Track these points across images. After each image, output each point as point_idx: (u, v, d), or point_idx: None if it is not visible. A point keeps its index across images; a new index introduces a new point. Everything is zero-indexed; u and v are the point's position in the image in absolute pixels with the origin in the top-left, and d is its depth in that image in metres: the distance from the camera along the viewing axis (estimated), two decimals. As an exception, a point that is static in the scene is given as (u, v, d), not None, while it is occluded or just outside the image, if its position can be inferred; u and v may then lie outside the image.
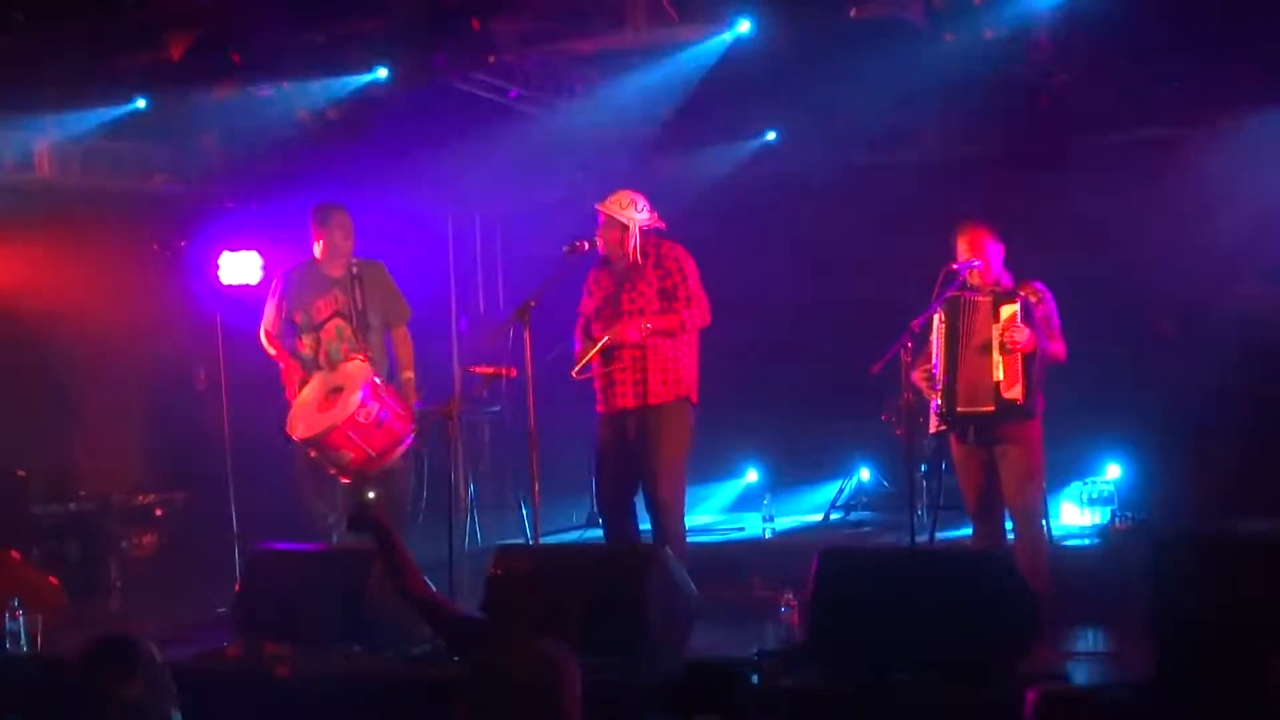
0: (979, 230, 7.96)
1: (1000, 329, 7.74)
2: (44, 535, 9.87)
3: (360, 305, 8.72)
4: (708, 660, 5.66)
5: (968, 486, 8.03)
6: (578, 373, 8.30)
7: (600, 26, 9.12)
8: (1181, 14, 8.69)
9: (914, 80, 9.34)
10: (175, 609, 9.28)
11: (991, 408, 7.77)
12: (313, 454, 8.55)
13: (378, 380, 8.48)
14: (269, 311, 8.92)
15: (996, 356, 7.74)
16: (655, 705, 5.57)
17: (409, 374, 8.77)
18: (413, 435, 8.49)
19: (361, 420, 8.35)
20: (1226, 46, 9.24)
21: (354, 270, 8.80)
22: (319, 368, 8.71)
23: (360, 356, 8.59)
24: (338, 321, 8.75)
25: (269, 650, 7.62)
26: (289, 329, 8.84)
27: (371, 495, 6.83)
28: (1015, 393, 7.71)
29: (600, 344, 8.21)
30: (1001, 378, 7.73)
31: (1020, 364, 7.71)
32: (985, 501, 7.96)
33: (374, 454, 8.37)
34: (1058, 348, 7.88)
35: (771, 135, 11.29)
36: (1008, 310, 7.75)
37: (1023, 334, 7.68)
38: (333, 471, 8.54)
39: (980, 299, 7.86)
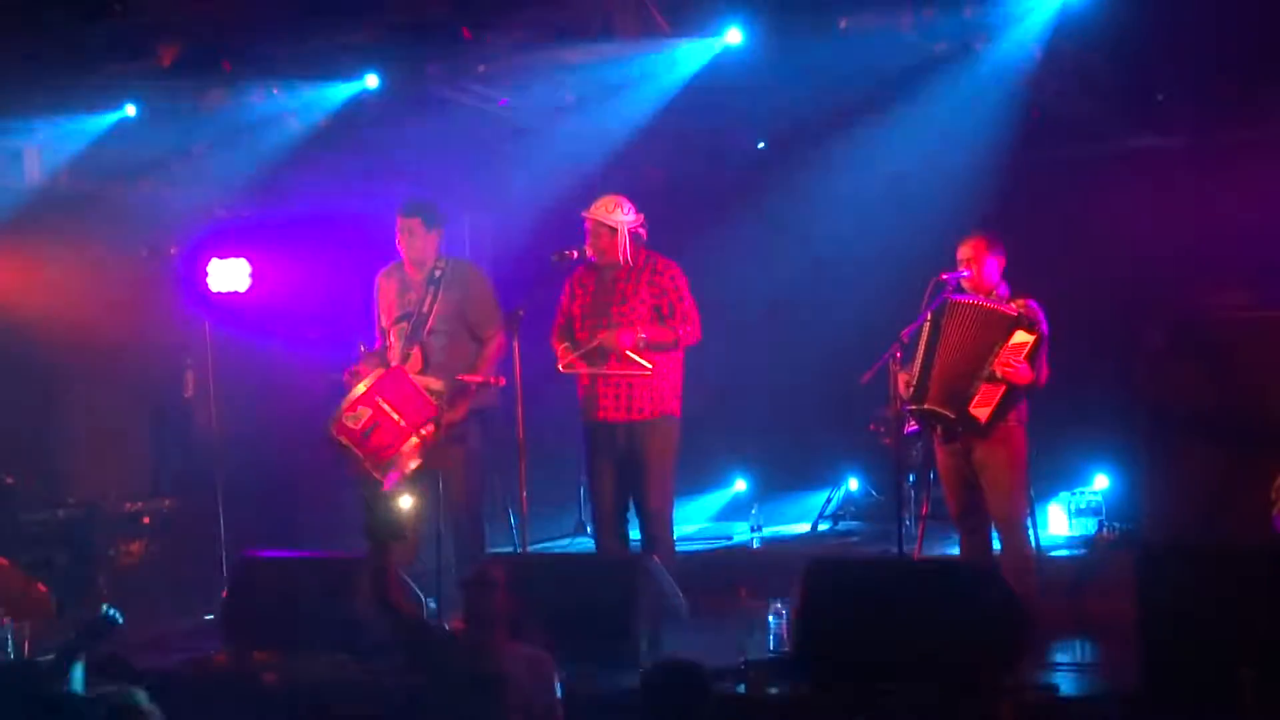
0: (979, 241, 7.96)
1: (1004, 352, 7.69)
2: (32, 542, 9.84)
3: (426, 308, 8.49)
4: (673, 662, 5.65)
5: (952, 495, 8.02)
6: (564, 368, 8.30)
7: (590, 36, 9.13)
8: (1173, 24, 8.72)
9: (904, 91, 9.38)
10: (163, 616, 9.27)
11: (953, 414, 7.74)
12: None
13: (395, 380, 8.19)
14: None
15: (982, 373, 7.70)
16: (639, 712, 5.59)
17: (467, 380, 8.35)
18: (406, 446, 8.16)
19: (350, 425, 8.12)
20: (1217, 57, 9.28)
21: (437, 272, 8.55)
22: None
23: (408, 358, 8.41)
24: (403, 324, 8.57)
25: (256, 658, 7.62)
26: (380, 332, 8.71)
27: (407, 503, 6.63)
28: (981, 413, 7.65)
29: (593, 345, 8.22)
30: (975, 394, 7.69)
31: (1001, 394, 7.66)
32: (970, 510, 7.95)
33: (363, 458, 8.13)
34: (1040, 374, 7.81)
35: (761, 144, 11.29)
36: (1021, 337, 7.66)
37: (1020, 372, 7.63)
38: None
39: (988, 306, 7.80)
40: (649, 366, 8.17)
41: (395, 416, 8.14)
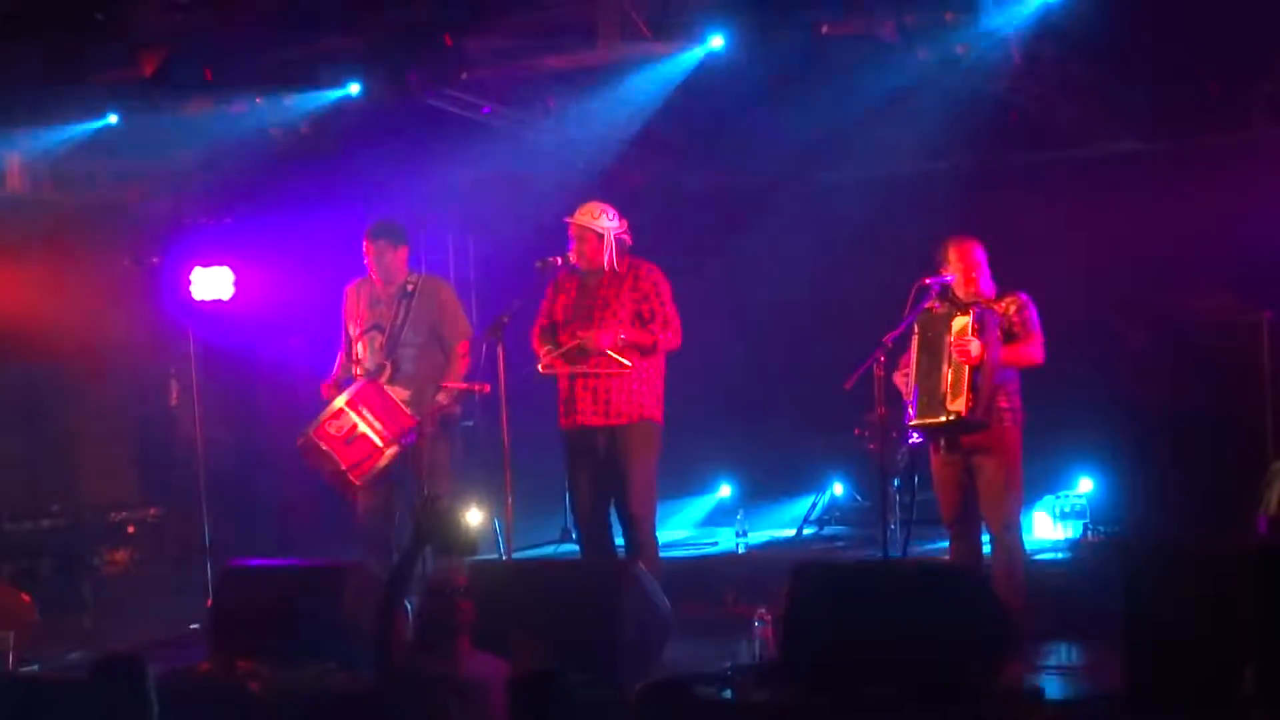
0: (962, 244, 8.02)
1: (951, 341, 7.79)
2: (16, 552, 9.82)
3: (399, 320, 8.76)
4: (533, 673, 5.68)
5: (945, 500, 8.04)
6: (544, 368, 8.31)
7: (573, 43, 9.14)
8: (1150, 29, 8.75)
9: (885, 96, 9.39)
10: (148, 625, 9.25)
11: (942, 419, 7.79)
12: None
13: (377, 393, 8.51)
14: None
15: (945, 368, 7.76)
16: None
17: (443, 389, 8.64)
18: (390, 452, 8.42)
19: (331, 432, 8.40)
20: (1193, 62, 9.32)
21: (409, 287, 8.85)
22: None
23: (382, 369, 8.68)
24: (373, 334, 8.83)
25: (242, 666, 7.60)
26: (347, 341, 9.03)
27: (476, 518, 6.67)
28: (959, 405, 7.69)
29: (573, 345, 8.23)
30: (947, 390, 7.75)
31: (966, 377, 7.70)
32: (962, 515, 7.97)
33: (343, 468, 8.39)
34: (1033, 350, 7.87)
35: (743, 150, 11.28)
36: (959, 323, 7.75)
37: (972, 347, 7.68)
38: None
39: (941, 312, 7.91)
40: (628, 364, 8.16)
41: (377, 426, 8.45)
